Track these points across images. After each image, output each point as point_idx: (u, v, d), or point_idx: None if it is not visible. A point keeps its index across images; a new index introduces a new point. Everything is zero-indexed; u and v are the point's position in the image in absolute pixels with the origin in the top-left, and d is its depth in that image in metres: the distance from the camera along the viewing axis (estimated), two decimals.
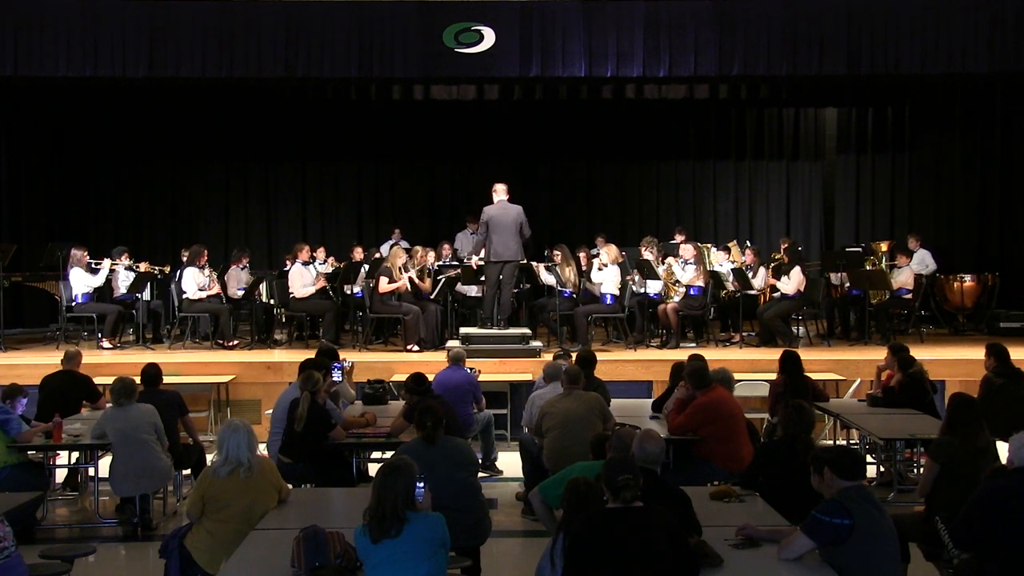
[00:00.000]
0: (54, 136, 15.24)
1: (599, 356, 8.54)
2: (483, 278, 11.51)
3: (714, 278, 12.00)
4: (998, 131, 14.56)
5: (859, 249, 13.98)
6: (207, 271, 12.12)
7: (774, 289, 12.20)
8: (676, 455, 6.82)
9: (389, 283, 11.39)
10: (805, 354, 9.00)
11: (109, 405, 7.40)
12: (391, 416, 7.46)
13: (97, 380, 8.78)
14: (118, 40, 12.15)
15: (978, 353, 8.60)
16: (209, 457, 7.41)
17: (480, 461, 7.79)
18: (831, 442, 8.87)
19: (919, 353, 8.73)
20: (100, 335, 11.69)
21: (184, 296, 11.85)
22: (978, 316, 13.55)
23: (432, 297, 12.03)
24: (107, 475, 7.28)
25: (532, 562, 4.54)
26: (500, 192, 11.11)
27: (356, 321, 12.57)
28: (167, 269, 12.64)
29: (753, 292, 12.24)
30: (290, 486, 5.78)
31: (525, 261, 11.61)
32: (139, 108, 15.67)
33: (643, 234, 13.51)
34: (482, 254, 11.48)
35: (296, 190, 17.15)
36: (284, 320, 12.89)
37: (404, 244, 13.98)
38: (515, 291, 12.32)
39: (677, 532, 4.09)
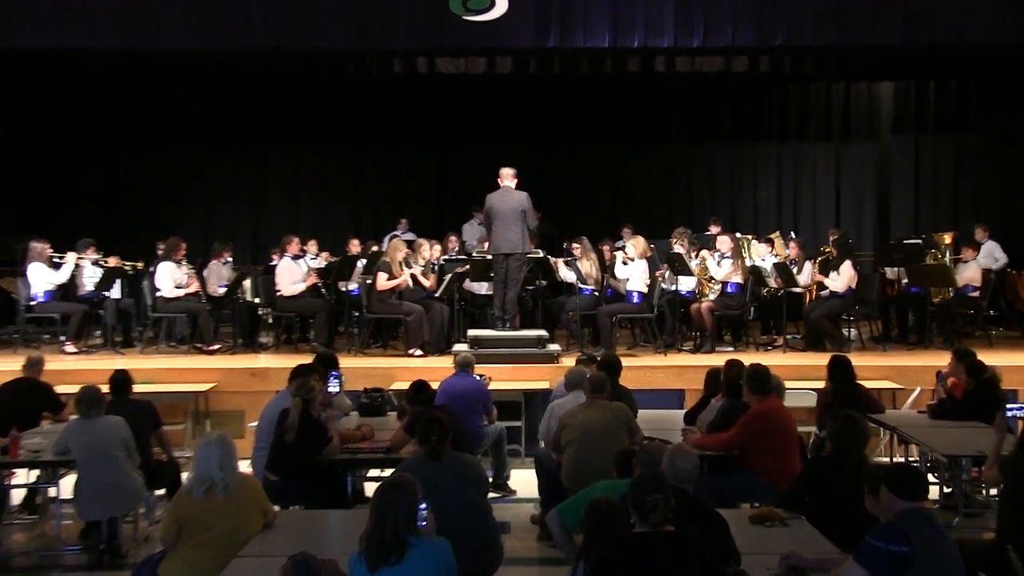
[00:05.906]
0: (13, 116, 15.22)
1: (625, 361, 8.51)
2: (493, 274, 11.52)
3: (754, 274, 12.00)
4: None
5: (919, 241, 13.91)
6: (184, 266, 12.14)
7: (822, 286, 12.15)
8: (712, 463, 6.76)
9: (388, 279, 11.40)
10: (857, 359, 8.95)
11: (73, 417, 7.39)
12: (390, 429, 7.45)
13: (59, 389, 8.75)
14: (87, 5, 12.15)
15: None
16: (185, 475, 7.41)
17: (491, 480, 7.78)
18: (887, 459, 8.83)
19: (987, 358, 8.64)
20: (63, 338, 11.71)
21: (158, 294, 11.87)
22: None
23: (437, 295, 12.03)
24: (71, 496, 7.27)
25: None
26: (506, 178, 11.14)
27: (352, 322, 12.60)
28: (140, 264, 12.68)
29: (798, 290, 12.25)
30: (277, 507, 5.78)
31: (532, 253, 11.59)
32: (111, 84, 15.75)
33: (674, 225, 13.52)
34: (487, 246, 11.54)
35: (286, 176, 17.25)
36: (271, 321, 12.91)
37: (410, 236, 13.99)
38: (530, 288, 12.33)
39: (713, 560, 4.07)
